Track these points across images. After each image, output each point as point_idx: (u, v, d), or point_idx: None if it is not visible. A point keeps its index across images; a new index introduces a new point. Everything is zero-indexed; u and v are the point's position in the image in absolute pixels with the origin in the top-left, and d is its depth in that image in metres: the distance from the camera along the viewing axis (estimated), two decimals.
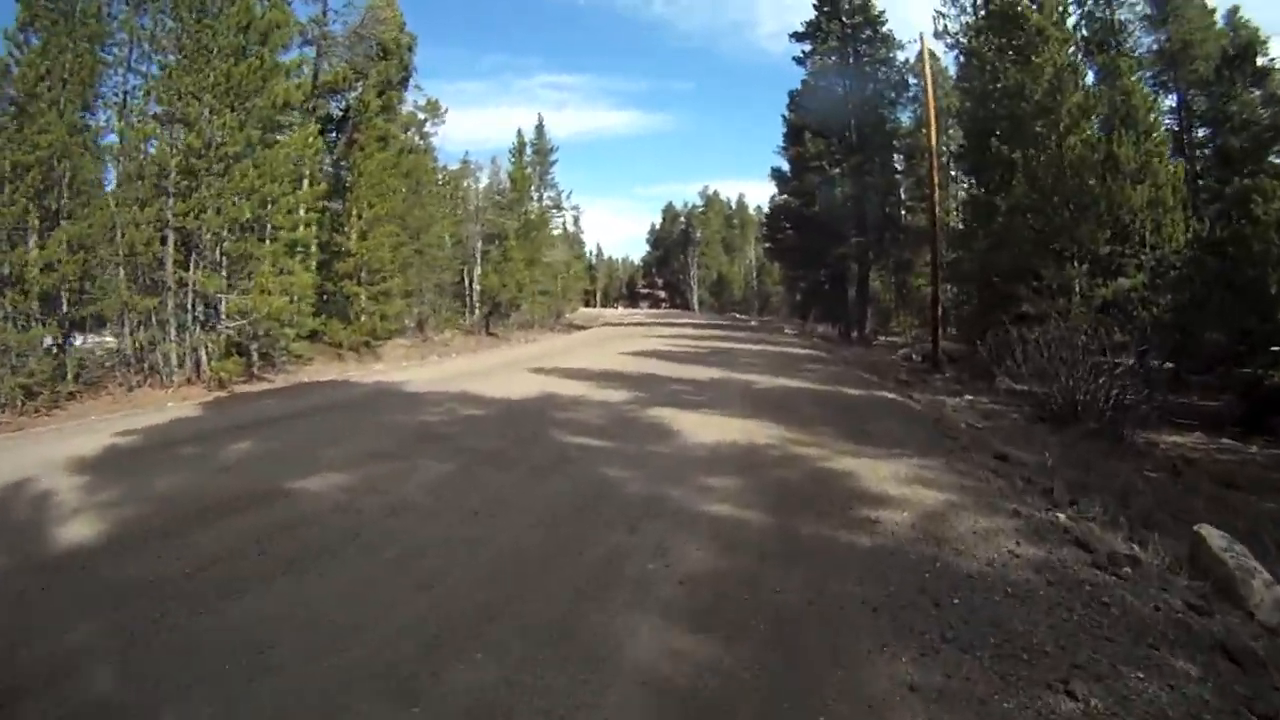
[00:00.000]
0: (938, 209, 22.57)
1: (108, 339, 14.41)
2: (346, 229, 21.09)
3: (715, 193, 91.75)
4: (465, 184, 36.35)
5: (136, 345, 13.92)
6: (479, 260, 32.69)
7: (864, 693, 3.13)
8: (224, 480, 6.55)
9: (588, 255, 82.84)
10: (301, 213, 18.27)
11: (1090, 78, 19.17)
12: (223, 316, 14.95)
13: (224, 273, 15.02)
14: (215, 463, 7.24)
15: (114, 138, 14.95)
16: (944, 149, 28.88)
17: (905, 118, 36.64)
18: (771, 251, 49.84)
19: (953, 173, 33.11)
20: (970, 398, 14.89)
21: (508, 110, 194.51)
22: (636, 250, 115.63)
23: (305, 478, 6.48)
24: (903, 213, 36.22)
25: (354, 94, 23.68)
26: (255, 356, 15.93)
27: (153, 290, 14.14)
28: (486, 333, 29.86)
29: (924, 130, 31.01)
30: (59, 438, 9.17)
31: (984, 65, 21.89)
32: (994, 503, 5.90)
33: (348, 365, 18.40)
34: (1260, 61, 23.51)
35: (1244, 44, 23.95)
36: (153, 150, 14.72)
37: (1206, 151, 24.58)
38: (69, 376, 12.60)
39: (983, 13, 24.55)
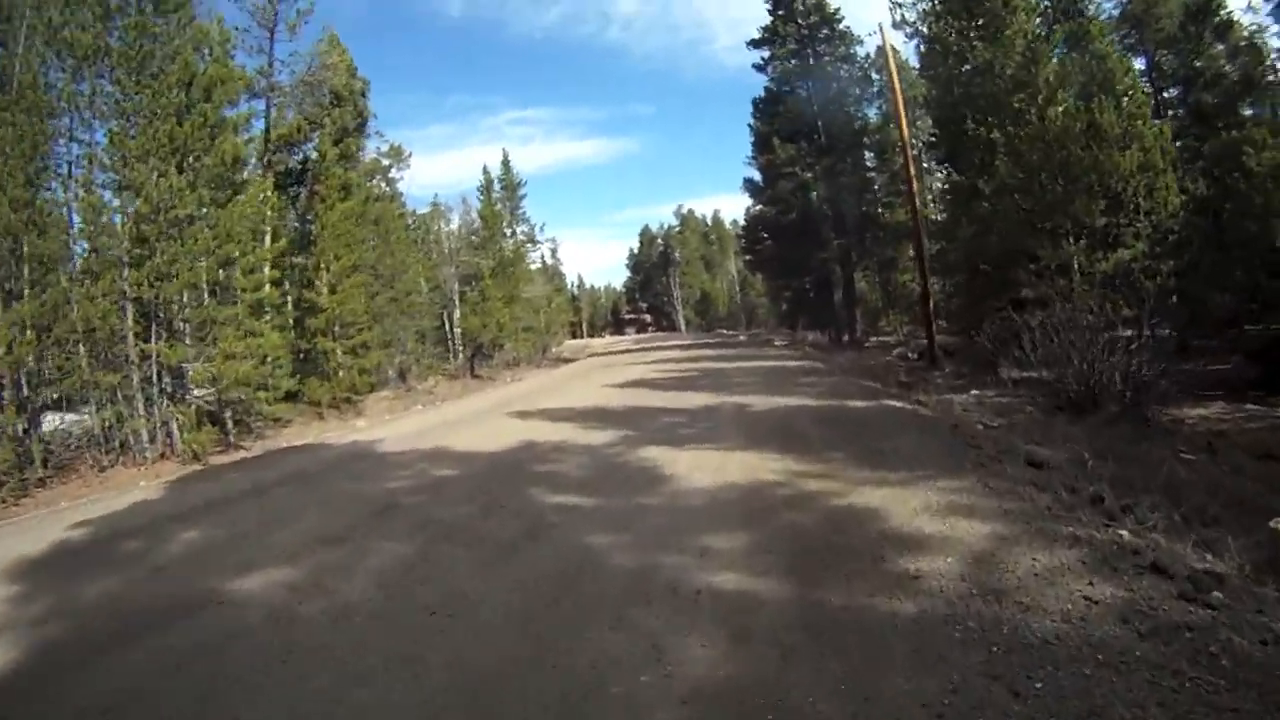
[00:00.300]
0: (917, 199, 22.09)
1: (85, 418, 13.70)
2: (316, 284, 20.39)
3: (690, 211, 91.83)
4: (437, 226, 35.86)
5: (104, 423, 13.20)
6: (457, 303, 32.05)
7: None
8: (157, 586, 5.76)
9: (569, 286, 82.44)
10: (266, 271, 17.65)
11: (1059, 49, 18.65)
12: (190, 387, 14.25)
13: (187, 340, 14.37)
14: (153, 561, 6.46)
15: (63, 210, 14.34)
16: (915, 140, 28.38)
17: (872, 113, 36.37)
18: (752, 264, 49.38)
19: (926, 164, 32.69)
20: (976, 392, 14.26)
21: (477, 150, 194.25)
22: (618, 277, 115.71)
23: (244, 575, 5.69)
24: (880, 210, 35.73)
25: (311, 145, 23.18)
26: (230, 425, 15.22)
27: (115, 365, 13.46)
28: (471, 375, 29.11)
29: (892, 126, 30.86)
30: (15, 532, 8.53)
31: (948, 50, 21.46)
32: (1046, 528, 5.07)
33: (328, 424, 17.63)
34: (1221, 16, 23.25)
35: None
36: (102, 220, 14.13)
37: (1179, 111, 24.22)
38: (36, 462, 11.93)
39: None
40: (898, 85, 22.61)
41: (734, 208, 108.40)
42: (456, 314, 31.83)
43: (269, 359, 16.15)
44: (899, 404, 12.01)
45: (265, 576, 5.61)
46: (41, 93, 13.94)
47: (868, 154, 36.65)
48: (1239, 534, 5.00)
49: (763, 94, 37.37)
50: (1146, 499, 5.77)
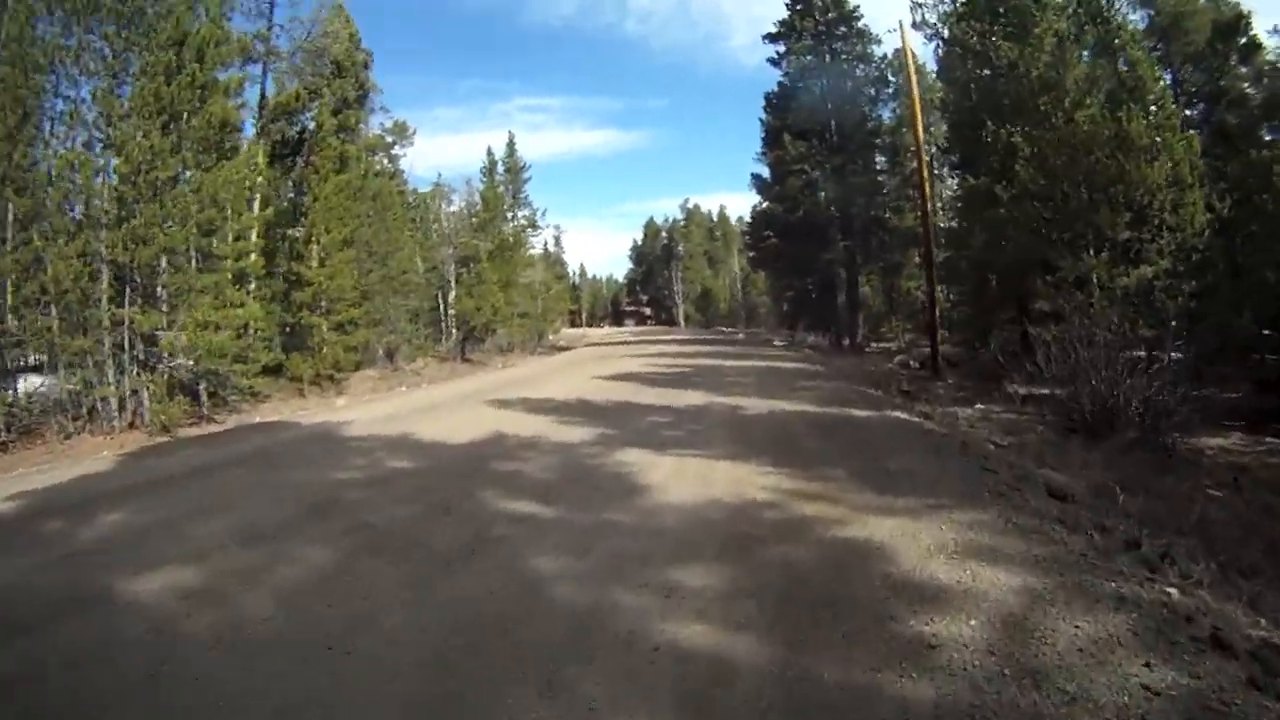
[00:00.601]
0: (929, 203, 21.51)
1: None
2: (305, 257, 19.73)
3: (696, 206, 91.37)
4: (438, 206, 35.15)
5: (71, 389, 12.61)
6: (453, 284, 31.41)
7: None
8: (57, 575, 5.13)
9: (571, 275, 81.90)
10: (253, 239, 17.02)
11: (1086, 55, 18.03)
12: (164, 356, 13.64)
13: (164, 308, 13.77)
14: (66, 546, 5.80)
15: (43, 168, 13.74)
16: (928, 145, 27.82)
17: (886, 114, 35.89)
18: (756, 261, 48.62)
19: (937, 170, 32.10)
20: (982, 406, 13.69)
21: (487, 134, 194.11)
22: (620, 268, 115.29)
23: (148, 573, 5.00)
24: (888, 214, 35.11)
25: (309, 115, 22.50)
26: (205, 397, 14.62)
27: (86, 329, 12.88)
28: (462, 359, 28.49)
29: (905, 129, 30.30)
30: None
31: (968, 52, 20.89)
32: (1084, 582, 4.25)
33: (307, 402, 17.01)
34: (1249, 37, 22.70)
35: (1232, 17, 23.13)
36: (79, 178, 13.52)
37: (1201, 130, 23.62)
38: None
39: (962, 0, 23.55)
40: (915, 85, 22.00)
41: (740, 206, 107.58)
42: (452, 296, 31.19)
43: (250, 330, 15.55)
44: (903, 415, 11.33)
45: (168, 577, 4.94)
46: (29, 45, 13.36)
47: (879, 156, 36.11)
48: None
49: (776, 89, 36.73)
50: (1181, 542, 5.20)
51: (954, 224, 26.29)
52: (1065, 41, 16.98)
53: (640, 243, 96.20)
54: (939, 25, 25.22)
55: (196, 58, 14.42)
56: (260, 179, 17.61)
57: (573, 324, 73.63)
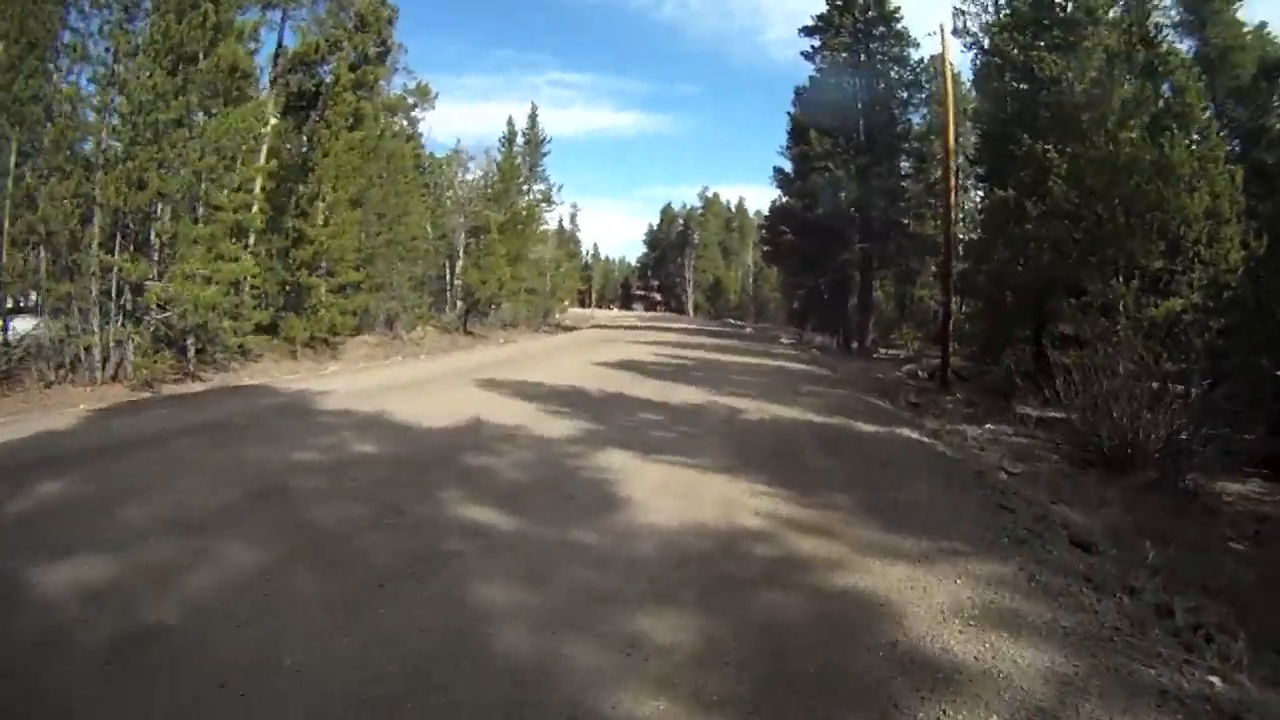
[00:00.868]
0: (953, 211, 20.97)
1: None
2: (309, 214, 19.22)
3: (715, 195, 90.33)
4: (455, 173, 34.53)
5: (54, 336, 12.23)
6: (461, 254, 30.90)
7: None
8: None
9: (584, 255, 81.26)
10: (256, 190, 16.51)
11: (1132, 77, 17.47)
12: (150, 307, 13.17)
13: (155, 256, 13.32)
14: None
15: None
16: (957, 154, 27.25)
17: (917, 120, 35.47)
18: (770, 256, 47.97)
19: (963, 181, 31.53)
20: (991, 426, 13.18)
21: (514, 106, 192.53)
22: (634, 251, 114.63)
23: (60, 560, 4.39)
24: (908, 221, 34.55)
25: (328, 69, 21.92)
26: (192, 353, 14.18)
27: (72, 274, 12.45)
28: (464, 331, 28.04)
29: (934, 136, 29.69)
30: None
31: (1008, 63, 20.37)
32: (1120, 666, 3.61)
33: (299, 365, 16.57)
34: None
35: (1278, 57, 22.60)
36: (76, 115, 13.07)
37: (1239, 166, 23.06)
38: None
39: (1006, 10, 22.93)
40: (950, 91, 21.36)
41: (759, 199, 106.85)
42: (460, 266, 30.68)
43: (243, 286, 15.08)
44: (913, 433, 10.68)
45: (78, 569, 4.32)
46: None
47: (904, 161, 35.56)
48: None
49: (807, 83, 36.24)
50: (1212, 607, 4.72)
51: (974, 236, 25.81)
52: (1115, 59, 16.36)
53: (655, 227, 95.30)
54: (979, 34, 24.75)
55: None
56: (267, 129, 17.07)
57: (581, 304, 72.99)
